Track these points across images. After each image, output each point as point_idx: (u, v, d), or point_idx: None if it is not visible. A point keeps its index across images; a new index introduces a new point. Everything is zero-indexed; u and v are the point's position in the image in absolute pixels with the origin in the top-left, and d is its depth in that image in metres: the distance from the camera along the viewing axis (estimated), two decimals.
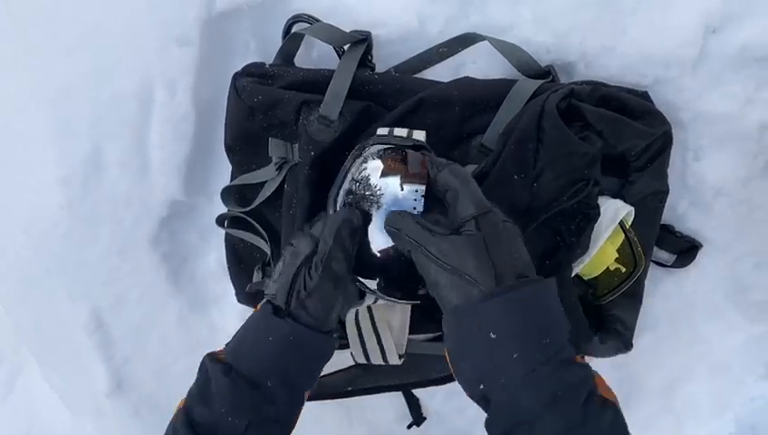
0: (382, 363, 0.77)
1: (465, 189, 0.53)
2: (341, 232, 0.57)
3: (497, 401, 0.48)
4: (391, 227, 0.56)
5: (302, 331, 0.56)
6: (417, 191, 0.61)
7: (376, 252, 0.62)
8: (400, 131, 0.64)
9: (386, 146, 0.63)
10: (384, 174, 0.62)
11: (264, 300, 0.59)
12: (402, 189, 0.61)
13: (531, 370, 0.46)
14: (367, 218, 0.62)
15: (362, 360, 0.78)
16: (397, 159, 0.62)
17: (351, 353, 0.84)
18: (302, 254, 0.59)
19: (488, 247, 0.49)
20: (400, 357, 0.76)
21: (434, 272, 0.51)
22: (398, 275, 0.62)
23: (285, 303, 0.57)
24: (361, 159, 0.64)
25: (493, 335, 0.47)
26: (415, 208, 0.60)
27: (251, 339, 0.58)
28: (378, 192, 0.62)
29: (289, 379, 0.56)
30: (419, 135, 0.64)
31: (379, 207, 0.61)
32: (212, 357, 0.57)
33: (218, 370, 0.55)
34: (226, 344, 0.59)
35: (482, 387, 0.49)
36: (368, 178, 0.62)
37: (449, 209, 0.54)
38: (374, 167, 0.62)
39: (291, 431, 0.59)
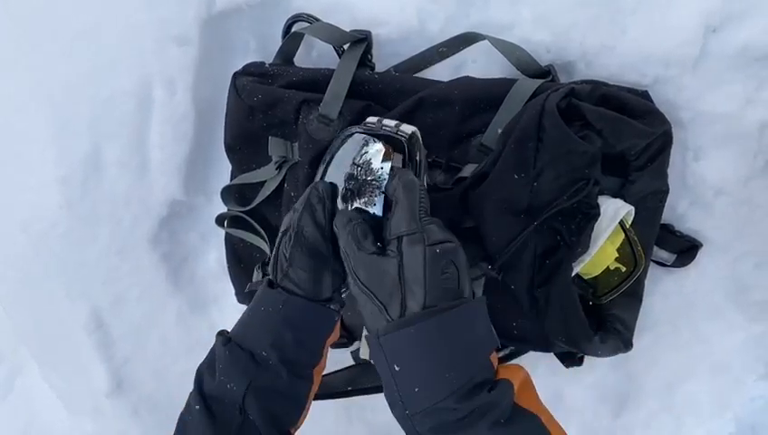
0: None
1: (403, 203, 0.51)
2: (310, 200, 0.58)
3: (404, 427, 0.49)
4: (335, 226, 0.55)
5: (293, 299, 0.56)
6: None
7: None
8: (389, 122, 0.62)
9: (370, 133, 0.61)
10: (386, 158, 0.59)
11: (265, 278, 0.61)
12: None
13: (432, 403, 0.46)
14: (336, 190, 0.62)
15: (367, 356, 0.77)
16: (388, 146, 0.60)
17: (351, 353, 0.84)
18: (284, 226, 0.60)
19: (403, 273, 0.47)
20: None
21: (353, 287, 0.51)
22: None
23: (274, 276, 0.58)
24: (362, 141, 0.62)
25: (396, 368, 0.47)
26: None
27: (249, 312, 0.59)
28: (380, 177, 0.59)
29: (285, 350, 0.56)
30: (407, 129, 0.61)
31: (381, 192, 0.58)
32: (219, 332, 0.60)
33: (219, 342, 0.58)
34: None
35: (394, 410, 0.49)
36: (369, 163, 0.60)
37: (390, 217, 0.52)
38: (376, 150, 0.60)
39: (303, 412, 0.60)
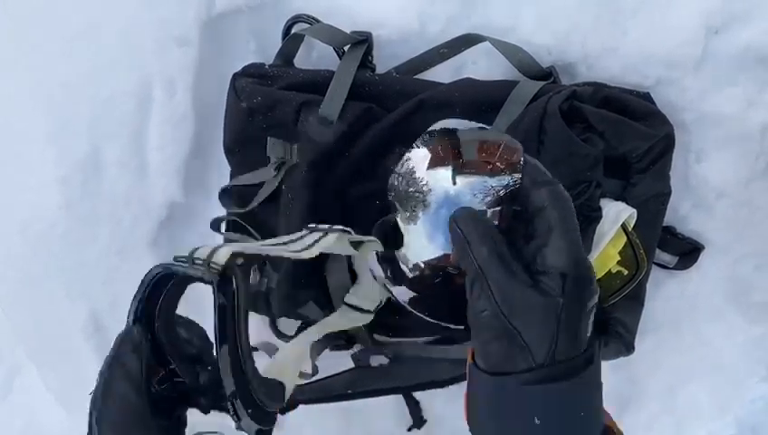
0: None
1: (563, 229, 0.41)
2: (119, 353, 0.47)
3: None
4: (458, 227, 0.43)
5: None
6: (483, 190, 0.46)
7: (420, 263, 0.51)
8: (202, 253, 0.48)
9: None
10: (432, 165, 0.49)
11: None
12: (455, 183, 0.47)
13: None
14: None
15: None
16: (448, 145, 0.49)
17: (351, 356, 0.84)
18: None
19: (561, 318, 0.40)
20: None
21: (485, 313, 0.41)
22: (436, 292, 0.52)
23: None
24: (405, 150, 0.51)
25: (537, 421, 0.41)
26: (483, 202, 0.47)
27: None
28: (424, 188, 0.49)
29: None
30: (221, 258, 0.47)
31: (426, 207, 0.49)
32: None
33: None
34: None
35: None
36: (413, 171, 0.50)
37: (533, 240, 0.42)
38: (420, 156, 0.49)
39: None
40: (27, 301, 0.94)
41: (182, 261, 0.47)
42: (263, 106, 0.73)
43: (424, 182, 0.49)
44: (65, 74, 0.83)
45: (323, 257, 0.76)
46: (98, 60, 0.82)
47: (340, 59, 0.75)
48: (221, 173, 0.86)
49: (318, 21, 0.76)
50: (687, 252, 0.80)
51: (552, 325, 0.40)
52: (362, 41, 0.74)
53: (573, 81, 0.75)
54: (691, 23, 0.69)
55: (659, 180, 0.70)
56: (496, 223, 0.46)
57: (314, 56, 0.81)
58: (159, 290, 0.49)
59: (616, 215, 0.67)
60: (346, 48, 0.75)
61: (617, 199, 0.70)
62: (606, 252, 0.69)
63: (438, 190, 0.48)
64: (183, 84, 0.81)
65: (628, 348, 0.72)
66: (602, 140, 0.66)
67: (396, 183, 0.51)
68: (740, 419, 0.96)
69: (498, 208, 0.46)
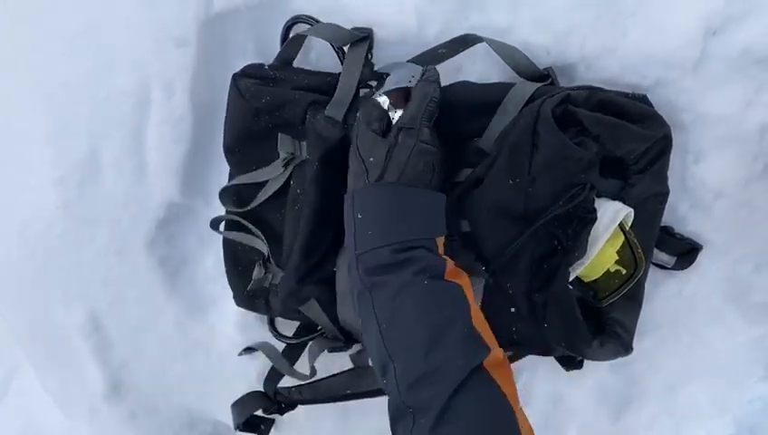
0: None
1: (414, 103, 0.63)
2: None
3: (350, 266, 0.60)
4: (360, 103, 0.67)
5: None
6: None
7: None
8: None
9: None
10: (390, 109, 0.66)
11: None
12: None
13: (375, 246, 0.58)
14: None
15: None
16: (401, 95, 0.66)
17: (350, 356, 0.84)
18: None
19: (391, 154, 0.60)
20: None
21: (352, 151, 0.63)
22: None
23: None
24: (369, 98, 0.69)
25: (359, 216, 0.60)
26: None
27: None
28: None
29: None
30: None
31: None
32: None
33: None
34: None
35: (349, 254, 0.60)
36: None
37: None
38: (381, 103, 0.67)
39: None
40: (25, 301, 0.94)
41: None
42: (271, 106, 0.73)
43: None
44: (64, 75, 0.83)
45: (333, 250, 0.76)
46: (96, 60, 0.82)
47: (339, 58, 0.75)
48: (219, 173, 0.86)
49: (317, 21, 0.76)
50: (686, 252, 0.80)
51: (381, 157, 0.60)
52: (364, 38, 0.74)
53: (572, 82, 0.75)
54: (690, 24, 0.69)
55: (657, 181, 0.70)
56: None
57: (313, 56, 0.81)
58: None
59: (613, 214, 0.67)
60: (346, 48, 0.75)
61: (614, 199, 0.70)
62: (604, 251, 0.69)
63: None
64: (181, 85, 0.81)
65: (627, 348, 0.72)
66: (597, 143, 0.66)
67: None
68: (739, 419, 0.96)
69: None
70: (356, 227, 0.60)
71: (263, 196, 0.79)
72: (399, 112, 0.66)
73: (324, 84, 0.73)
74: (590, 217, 0.66)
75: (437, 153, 0.62)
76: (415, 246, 0.58)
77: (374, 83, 0.73)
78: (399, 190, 0.59)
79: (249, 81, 0.74)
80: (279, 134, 0.75)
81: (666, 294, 0.84)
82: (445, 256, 0.61)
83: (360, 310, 0.60)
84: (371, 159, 0.60)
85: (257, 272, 0.81)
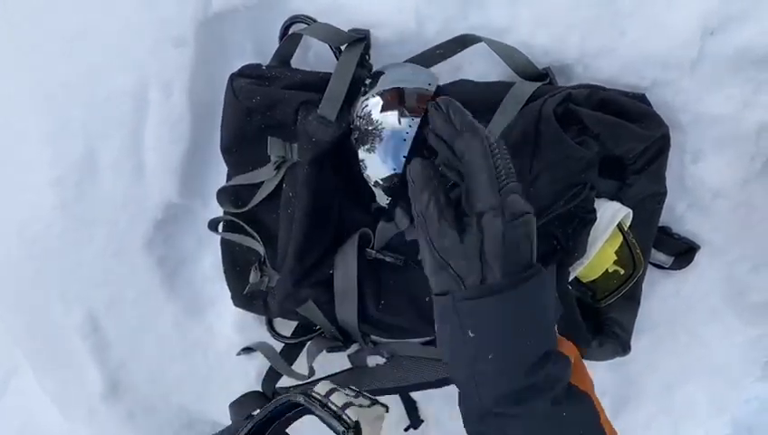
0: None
1: (480, 174, 0.48)
2: None
3: (467, 390, 0.50)
4: (410, 174, 0.51)
5: None
6: (410, 126, 0.66)
7: (379, 180, 0.70)
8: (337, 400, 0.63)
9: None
10: (384, 109, 0.67)
11: None
12: (400, 123, 0.67)
13: (502, 369, 0.48)
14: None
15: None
16: (395, 95, 0.67)
17: (348, 356, 0.84)
18: None
19: (483, 250, 0.47)
20: None
21: (426, 252, 0.50)
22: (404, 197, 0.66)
23: None
24: (363, 97, 0.69)
25: (471, 334, 0.48)
26: (405, 139, 0.66)
27: None
28: (379, 126, 0.68)
29: None
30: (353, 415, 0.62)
31: (381, 140, 0.68)
32: None
33: None
34: None
35: (457, 372, 0.51)
36: (370, 114, 0.68)
37: (462, 185, 0.50)
38: (374, 103, 0.68)
39: None
40: (23, 302, 0.93)
41: (308, 398, 0.59)
42: (262, 106, 0.73)
43: (379, 122, 0.68)
44: (62, 74, 0.82)
45: (329, 251, 0.77)
46: (95, 60, 0.81)
47: (338, 59, 0.75)
48: (217, 173, 0.86)
49: (315, 21, 0.76)
50: (683, 252, 0.80)
51: (474, 258, 0.47)
52: (360, 39, 0.74)
53: (570, 81, 0.75)
54: (688, 24, 0.70)
55: (655, 181, 0.70)
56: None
57: (311, 57, 0.81)
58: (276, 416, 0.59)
59: (612, 215, 0.67)
60: (343, 47, 0.74)
61: (612, 199, 0.70)
62: (603, 252, 0.69)
63: (388, 128, 0.67)
64: (180, 85, 0.81)
65: (625, 348, 0.73)
66: (598, 142, 0.66)
67: (358, 123, 0.69)
68: (736, 418, 0.96)
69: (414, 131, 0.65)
70: (468, 347, 0.48)
71: (258, 197, 0.78)
72: (416, 120, 0.64)
73: (318, 81, 0.73)
74: (589, 217, 0.66)
75: (530, 219, 0.49)
76: (544, 354, 0.48)
77: (368, 81, 0.72)
78: (515, 296, 0.47)
79: (243, 80, 0.74)
80: (269, 137, 0.74)
81: (663, 293, 0.84)
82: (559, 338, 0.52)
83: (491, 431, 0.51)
84: (461, 262, 0.48)
85: (253, 276, 0.81)
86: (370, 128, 0.68)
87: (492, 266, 0.47)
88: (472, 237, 0.48)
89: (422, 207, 0.50)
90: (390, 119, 0.68)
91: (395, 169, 0.69)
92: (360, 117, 0.70)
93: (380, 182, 0.71)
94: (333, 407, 0.60)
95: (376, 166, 0.70)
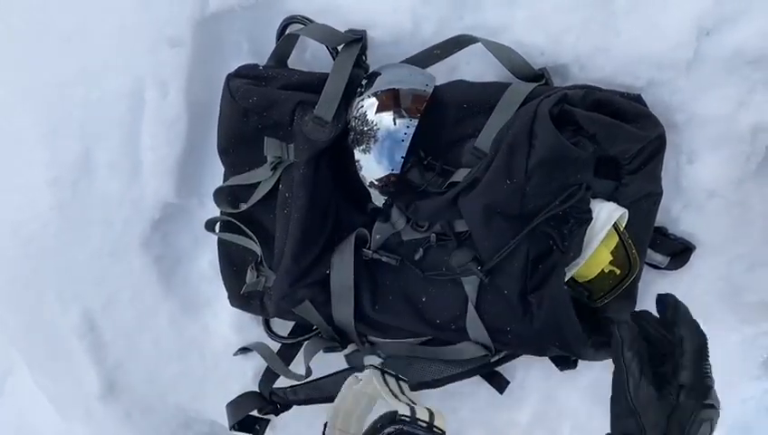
0: None
1: (694, 357, 0.55)
2: None
3: None
4: (618, 331, 0.58)
5: None
6: (408, 126, 0.68)
7: (374, 180, 0.71)
8: (422, 412, 0.63)
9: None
10: (379, 110, 0.68)
11: None
12: (395, 124, 0.69)
13: None
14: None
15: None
16: (390, 96, 0.69)
17: (345, 356, 0.84)
18: None
19: (672, 416, 0.54)
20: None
21: (619, 393, 0.57)
22: (399, 193, 0.72)
23: None
24: (359, 98, 0.71)
25: None
26: (403, 140, 0.68)
27: None
28: (374, 127, 0.69)
29: None
30: (439, 418, 0.63)
31: (376, 141, 0.69)
32: None
33: None
34: None
35: None
36: (365, 115, 0.69)
37: (672, 356, 0.56)
38: (370, 104, 0.69)
39: None
40: (19, 301, 0.93)
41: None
42: (258, 106, 0.73)
43: (374, 123, 0.69)
44: (59, 75, 0.82)
45: (325, 251, 0.77)
46: (90, 60, 0.82)
47: (334, 59, 0.75)
48: (214, 173, 0.86)
49: (312, 21, 0.76)
50: (679, 252, 0.80)
51: (662, 419, 0.54)
52: (357, 39, 0.74)
53: (566, 81, 0.75)
54: (683, 25, 0.70)
55: (651, 181, 0.70)
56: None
57: (308, 57, 0.81)
58: None
59: (607, 215, 0.68)
60: (340, 48, 0.75)
61: (608, 200, 0.70)
62: (599, 252, 0.69)
63: (383, 128, 0.69)
64: (176, 85, 0.81)
65: None
66: (593, 142, 0.67)
67: (353, 124, 0.71)
68: (732, 418, 0.96)
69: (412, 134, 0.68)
70: None
71: (255, 198, 0.78)
72: (411, 121, 0.64)
73: (315, 81, 0.73)
74: (585, 218, 0.66)
75: (718, 412, 0.55)
76: None
77: (364, 82, 0.73)
78: None
79: (240, 81, 0.74)
80: (265, 138, 0.75)
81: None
82: None
83: None
84: (650, 416, 0.54)
85: (250, 276, 0.81)
86: (366, 128, 0.69)
87: (672, 431, 0.53)
88: (667, 401, 0.54)
89: (627, 360, 0.57)
90: (386, 120, 0.69)
91: (390, 170, 0.70)
92: (356, 117, 0.70)
93: (375, 183, 0.71)
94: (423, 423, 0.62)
95: (371, 166, 0.71)
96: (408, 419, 0.62)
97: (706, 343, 0.57)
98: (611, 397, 0.58)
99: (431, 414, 0.63)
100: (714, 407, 0.54)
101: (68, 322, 0.92)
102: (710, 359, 0.56)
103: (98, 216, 0.87)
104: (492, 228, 0.69)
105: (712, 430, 0.54)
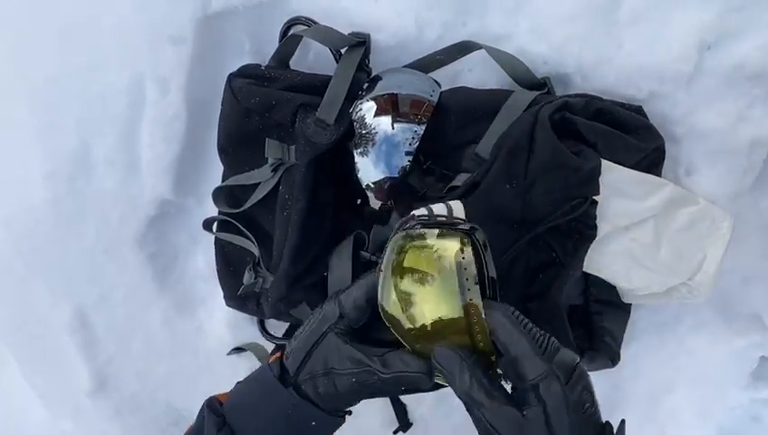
0: None
1: (520, 343, 0.46)
2: (401, 380, 0.51)
3: None
4: (441, 367, 0.48)
5: (305, 408, 0.52)
6: (404, 131, 0.68)
7: (370, 183, 0.71)
8: (439, 208, 0.56)
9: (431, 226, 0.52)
10: (377, 114, 0.69)
11: (278, 354, 0.56)
12: (393, 128, 0.69)
13: None
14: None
15: None
16: (388, 101, 0.69)
17: None
18: (328, 321, 0.53)
19: (550, 422, 0.45)
20: None
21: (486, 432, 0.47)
22: (397, 197, 0.72)
23: (296, 371, 0.54)
24: (358, 101, 0.71)
25: None
26: (410, 145, 0.68)
27: (252, 399, 0.55)
28: (372, 130, 0.69)
29: None
30: (457, 207, 0.56)
31: (373, 144, 0.70)
32: (211, 402, 0.56)
33: (212, 422, 0.53)
34: (231, 390, 0.57)
35: None
36: (363, 118, 0.70)
37: (505, 360, 0.47)
38: (368, 107, 0.70)
39: None
40: (10, 297, 0.93)
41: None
42: (260, 106, 0.73)
43: (372, 126, 0.69)
44: (57, 69, 0.82)
45: (323, 253, 0.76)
46: (90, 55, 0.81)
47: (337, 61, 0.75)
48: (212, 172, 0.85)
49: (316, 23, 0.76)
50: None
51: (543, 431, 0.45)
52: (360, 42, 0.74)
53: (568, 91, 0.75)
54: (685, 38, 0.70)
55: None
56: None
57: (310, 58, 0.81)
58: None
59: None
60: (343, 50, 0.74)
61: None
62: None
63: (381, 132, 0.69)
64: (176, 83, 0.81)
65: (614, 359, 0.73)
66: (596, 153, 0.67)
67: (354, 127, 0.71)
68: (721, 427, 0.98)
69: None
70: None
71: (254, 198, 0.78)
72: (409, 126, 0.64)
73: (317, 84, 0.73)
74: (589, 233, 0.66)
75: (582, 369, 0.47)
76: None
77: (366, 85, 0.73)
78: None
79: (242, 80, 0.74)
80: (266, 139, 0.75)
81: (654, 304, 0.85)
82: None
83: None
84: None
85: (247, 277, 0.81)
86: (364, 132, 0.70)
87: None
88: (535, 411, 0.45)
89: (466, 390, 0.47)
90: (383, 124, 0.69)
91: (387, 173, 0.70)
92: (355, 120, 0.70)
93: (372, 186, 0.72)
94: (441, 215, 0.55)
95: (368, 169, 0.71)
96: (426, 217, 0.54)
97: (511, 312, 0.48)
98: None
99: (449, 208, 0.55)
100: (573, 370, 0.46)
101: (59, 317, 0.91)
102: (524, 320, 0.48)
103: (93, 211, 0.86)
104: (492, 233, 0.69)
105: (591, 392, 0.47)
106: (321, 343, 0.53)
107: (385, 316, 0.51)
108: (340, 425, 0.57)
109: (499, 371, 0.49)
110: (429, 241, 0.49)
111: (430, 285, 0.48)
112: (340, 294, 0.55)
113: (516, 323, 0.47)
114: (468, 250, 0.47)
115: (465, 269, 0.47)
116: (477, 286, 0.47)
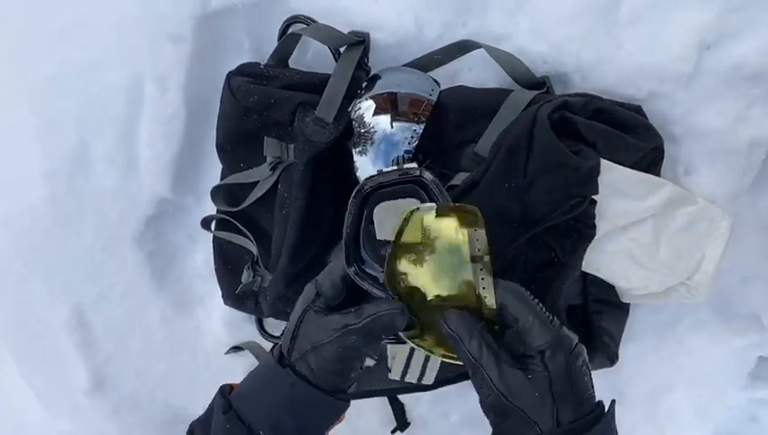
0: (414, 382, 0.81)
1: (529, 314, 0.49)
2: (376, 323, 0.52)
3: None
4: (451, 331, 0.51)
5: (302, 387, 0.54)
6: (402, 130, 0.68)
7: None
8: (388, 169, 0.61)
9: (382, 185, 0.59)
10: (376, 113, 0.69)
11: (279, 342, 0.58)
12: (392, 127, 0.69)
13: None
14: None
15: (397, 377, 0.79)
16: (387, 100, 0.69)
17: None
18: (307, 300, 0.56)
19: (552, 386, 0.48)
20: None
21: (490, 398, 0.49)
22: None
23: (288, 353, 0.55)
24: (357, 100, 0.71)
25: None
26: (409, 144, 0.68)
27: (256, 383, 0.57)
28: (371, 129, 0.69)
29: (285, 434, 0.54)
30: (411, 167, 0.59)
31: (372, 143, 0.70)
32: (222, 388, 0.58)
33: (219, 405, 0.55)
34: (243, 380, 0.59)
35: None
36: (362, 117, 0.70)
37: (512, 332, 0.51)
38: (367, 106, 0.70)
39: None
40: (8, 295, 0.92)
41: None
42: (259, 105, 0.73)
43: (371, 125, 0.69)
44: (55, 66, 0.82)
45: (322, 252, 0.76)
46: (89, 54, 0.81)
47: (336, 60, 0.75)
48: (211, 171, 0.85)
49: (315, 22, 0.76)
50: None
51: (547, 398, 0.47)
52: (359, 41, 0.74)
53: (567, 90, 0.75)
54: (685, 38, 0.70)
55: None
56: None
57: (309, 57, 0.81)
58: None
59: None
60: (342, 49, 0.74)
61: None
62: None
63: (380, 131, 0.69)
64: (175, 81, 0.80)
65: (612, 359, 0.73)
66: (595, 152, 0.67)
67: (353, 125, 0.71)
68: (720, 427, 0.97)
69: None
70: None
71: (253, 197, 0.78)
72: (408, 125, 0.64)
73: (316, 82, 0.73)
74: (588, 233, 0.66)
75: (581, 344, 0.51)
76: None
77: (365, 84, 0.73)
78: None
79: (241, 79, 0.74)
80: (265, 137, 0.75)
81: (652, 304, 0.85)
82: None
83: None
84: (533, 403, 0.48)
85: (246, 276, 0.81)
86: (363, 130, 0.70)
87: (564, 406, 0.48)
88: (540, 376, 0.48)
89: (475, 355, 0.49)
90: (382, 122, 0.69)
91: None
92: (354, 119, 0.70)
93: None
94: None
95: (367, 168, 0.71)
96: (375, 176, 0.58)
97: (519, 291, 0.51)
98: (480, 402, 0.51)
99: (399, 164, 0.62)
100: (576, 343, 0.50)
101: (58, 316, 0.91)
102: (531, 296, 0.51)
103: (92, 210, 0.86)
104: (491, 232, 0.69)
105: (588, 369, 0.51)
106: (303, 320, 0.55)
107: (391, 288, 0.54)
108: (344, 410, 0.58)
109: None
110: (433, 217, 0.53)
111: (439, 257, 0.52)
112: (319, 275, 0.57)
113: (527, 297, 0.51)
114: (482, 230, 0.52)
115: (477, 241, 0.51)
116: (489, 259, 0.51)
